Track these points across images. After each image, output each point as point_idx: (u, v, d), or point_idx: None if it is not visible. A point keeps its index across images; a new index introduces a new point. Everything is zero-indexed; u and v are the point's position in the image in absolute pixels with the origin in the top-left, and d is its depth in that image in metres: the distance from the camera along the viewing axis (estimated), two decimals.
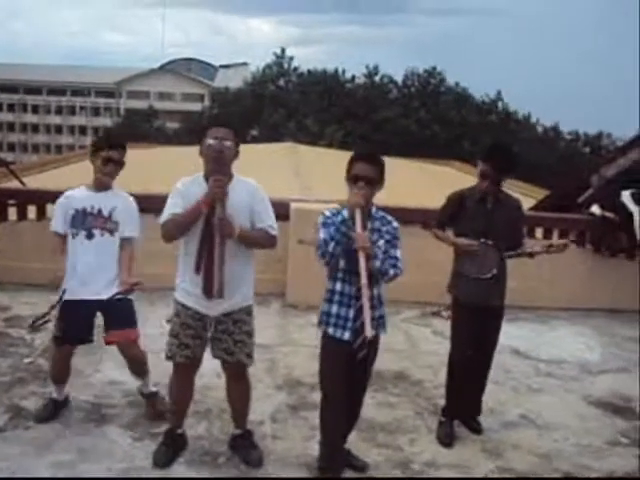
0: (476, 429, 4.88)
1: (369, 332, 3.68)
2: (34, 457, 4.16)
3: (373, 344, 3.99)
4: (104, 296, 4.43)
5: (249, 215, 3.97)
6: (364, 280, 3.68)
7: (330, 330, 3.95)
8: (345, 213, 3.82)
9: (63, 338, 4.50)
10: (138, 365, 4.68)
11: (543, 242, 5.55)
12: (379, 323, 3.97)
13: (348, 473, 4.18)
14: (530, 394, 5.68)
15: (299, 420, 4.90)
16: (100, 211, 4.45)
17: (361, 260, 3.69)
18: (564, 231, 8.39)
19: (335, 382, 3.97)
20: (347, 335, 3.90)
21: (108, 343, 4.58)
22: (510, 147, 5.20)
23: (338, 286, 3.92)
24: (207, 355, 4.15)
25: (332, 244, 3.73)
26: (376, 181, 3.84)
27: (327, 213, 3.91)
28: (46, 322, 4.61)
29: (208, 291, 3.90)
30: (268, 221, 4.02)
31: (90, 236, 4.44)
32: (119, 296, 4.46)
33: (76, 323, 4.47)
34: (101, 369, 5.40)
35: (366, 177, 3.79)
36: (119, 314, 4.50)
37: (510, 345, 6.57)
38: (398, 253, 3.94)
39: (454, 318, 4.84)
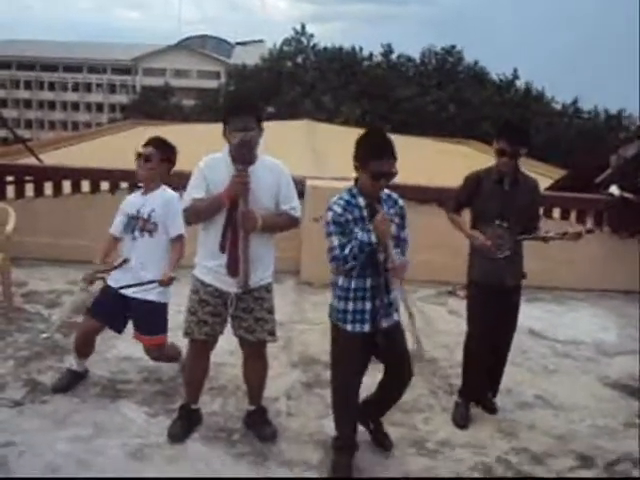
0: (492, 409, 4.87)
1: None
2: (51, 431, 4.20)
3: (393, 329, 3.93)
4: (139, 296, 4.49)
5: (274, 195, 3.96)
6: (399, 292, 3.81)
7: (349, 327, 3.86)
8: (362, 201, 3.76)
9: (95, 310, 4.65)
10: (164, 362, 4.90)
11: (559, 226, 5.48)
12: (391, 310, 3.92)
13: (368, 450, 4.18)
14: (546, 374, 5.66)
15: (314, 397, 4.91)
16: (142, 213, 4.52)
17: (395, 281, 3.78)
18: (582, 211, 8.32)
19: (349, 375, 3.93)
20: (367, 327, 3.85)
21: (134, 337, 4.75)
22: (522, 122, 5.16)
23: (353, 283, 3.82)
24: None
25: (352, 262, 3.68)
26: (394, 174, 3.74)
27: (338, 210, 3.74)
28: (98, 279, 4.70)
29: (232, 270, 3.89)
30: (292, 202, 4.01)
31: (134, 238, 4.54)
32: (147, 297, 4.50)
33: (105, 306, 4.62)
34: (116, 345, 5.42)
35: (389, 174, 3.68)
36: (147, 319, 4.59)
37: (527, 325, 6.52)
38: (406, 233, 3.92)
39: (469, 298, 4.82)
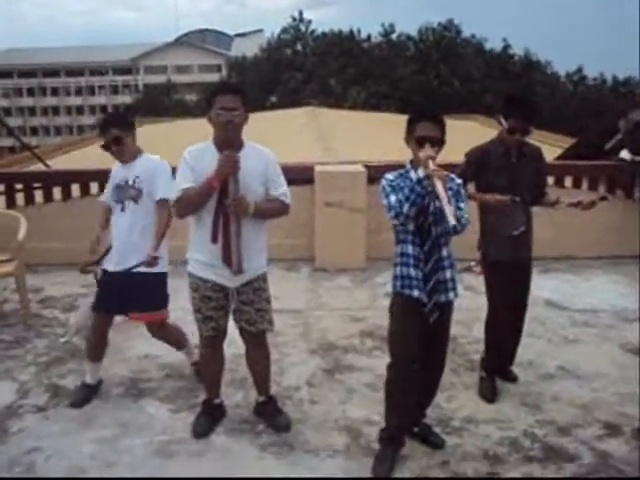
0: (512, 378, 4.89)
1: (452, 221, 3.48)
2: (76, 434, 4.22)
3: (447, 307, 3.86)
4: (143, 269, 4.41)
5: (263, 182, 3.92)
6: (444, 197, 3.47)
7: (401, 289, 3.79)
8: (413, 174, 3.65)
9: (97, 304, 4.61)
10: (170, 343, 4.80)
11: (572, 195, 5.42)
12: (450, 286, 3.81)
13: (421, 449, 4.09)
14: (567, 345, 5.63)
15: (335, 383, 4.91)
16: (127, 182, 4.47)
17: (438, 185, 3.47)
18: (594, 179, 8.25)
19: (406, 344, 3.80)
20: (416, 293, 3.75)
21: (133, 319, 4.67)
22: (526, 95, 5.17)
23: (410, 249, 3.76)
24: (234, 324, 4.15)
25: (407, 205, 3.57)
26: (441, 141, 3.69)
27: (390, 177, 3.75)
28: (92, 270, 4.68)
29: (227, 259, 3.86)
30: (281, 189, 3.98)
31: (123, 208, 4.49)
32: (141, 269, 4.42)
33: (106, 292, 4.56)
34: (135, 344, 5.44)
35: (432, 138, 3.63)
36: (145, 294, 4.49)
37: (544, 297, 6.51)
38: (463, 205, 3.78)
39: (487, 275, 4.75)
